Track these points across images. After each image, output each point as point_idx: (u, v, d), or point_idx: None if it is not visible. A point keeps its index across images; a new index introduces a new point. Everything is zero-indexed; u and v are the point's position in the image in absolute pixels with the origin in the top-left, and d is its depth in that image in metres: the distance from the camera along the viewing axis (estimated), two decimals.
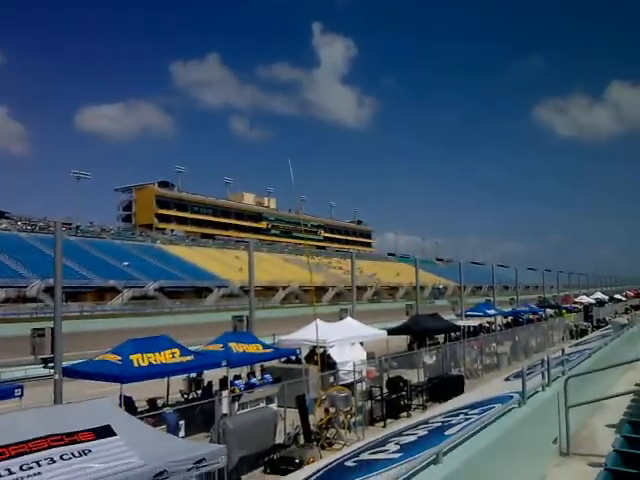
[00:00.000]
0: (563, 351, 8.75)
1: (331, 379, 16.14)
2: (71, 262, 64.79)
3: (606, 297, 67.34)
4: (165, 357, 13.24)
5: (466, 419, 6.00)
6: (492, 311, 34.36)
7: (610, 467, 4.78)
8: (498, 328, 33.71)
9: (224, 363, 14.51)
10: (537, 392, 6.52)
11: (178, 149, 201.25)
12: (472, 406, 6.74)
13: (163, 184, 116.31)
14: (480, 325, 32.09)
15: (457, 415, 6.37)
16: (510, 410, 5.65)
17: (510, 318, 37.29)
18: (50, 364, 12.51)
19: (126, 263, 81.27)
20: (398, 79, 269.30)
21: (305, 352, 19.31)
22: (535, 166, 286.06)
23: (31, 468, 5.80)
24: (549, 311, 43.60)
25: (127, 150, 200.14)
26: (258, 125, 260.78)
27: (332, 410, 13.12)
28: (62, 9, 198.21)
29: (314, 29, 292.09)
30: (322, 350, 17.78)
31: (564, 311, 44.04)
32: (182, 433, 12.29)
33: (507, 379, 8.79)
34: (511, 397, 6.41)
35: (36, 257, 70.15)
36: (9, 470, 5.67)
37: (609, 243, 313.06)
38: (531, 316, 38.58)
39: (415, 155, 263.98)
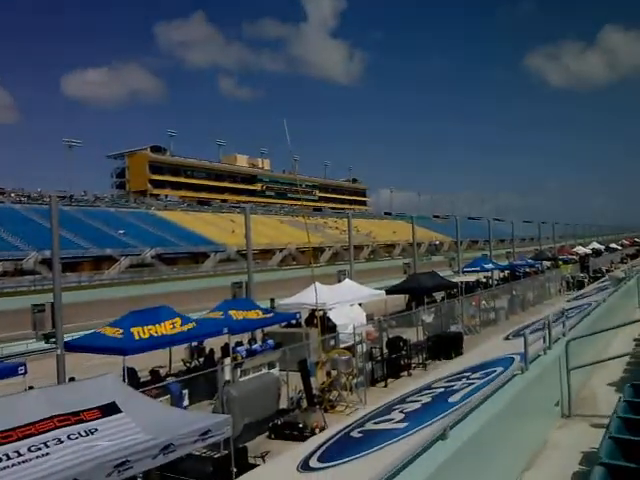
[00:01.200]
0: (563, 309, 8.73)
1: (332, 342, 16.27)
2: (67, 232, 64.49)
3: (602, 247, 67.48)
4: (165, 328, 13.29)
5: (469, 384, 6.04)
6: (489, 265, 34.45)
7: (614, 435, 4.81)
8: (495, 283, 33.92)
9: (225, 330, 14.59)
10: (539, 356, 6.53)
11: (167, 112, 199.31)
12: (473, 369, 6.78)
13: (155, 149, 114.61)
14: (477, 281, 32.26)
15: (459, 379, 6.41)
16: (513, 377, 5.66)
17: (507, 272, 37.41)
18: (52, 339, 12.54)
19: (122, 231, 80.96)
20: (387, 31, 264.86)
21: (305, 316, 19.41)
22: (528, 116, 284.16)
23: (39, 449, 5.85)
24: (545, 263, 43.72)
25: (116, 115, 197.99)
26: (247, 84, 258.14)
27: (334, 373, 13.26)
28: None
29: None
30: (322, 313, 17.87)
31: (560, 263, 44.07)
32: (186, 402, 12.44)
33: (507, 338, 8.82)
34: (512, 359, 6.43)
35: (31, 229, 69.74)
36: (18, 452, 5.72)
37: (605, 192, 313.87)
38: (528, 269, 38.70)
39: (407, 110, 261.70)
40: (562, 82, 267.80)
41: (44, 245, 57.10)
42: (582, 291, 18.41)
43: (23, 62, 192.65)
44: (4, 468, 5.47)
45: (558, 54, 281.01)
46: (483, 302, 24.16)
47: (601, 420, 5.89)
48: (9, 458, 5.58)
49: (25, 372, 10.50)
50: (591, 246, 64.06)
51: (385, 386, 14.55)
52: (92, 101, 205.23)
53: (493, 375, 6.00)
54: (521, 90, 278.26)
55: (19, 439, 5.82)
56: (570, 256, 51.19)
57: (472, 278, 31.11)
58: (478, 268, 33.46)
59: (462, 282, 28.14)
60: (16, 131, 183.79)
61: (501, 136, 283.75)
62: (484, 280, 34.21)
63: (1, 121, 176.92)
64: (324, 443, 5.01)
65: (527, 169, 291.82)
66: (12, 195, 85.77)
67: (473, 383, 5.99)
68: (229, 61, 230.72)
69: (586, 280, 34.54)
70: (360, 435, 5.13)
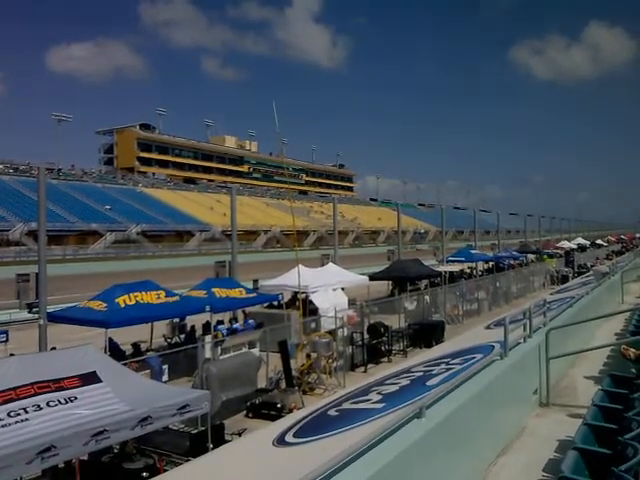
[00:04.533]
0: (545, 301, 8.81)
1: (313, 325, 16.36)
2: (53, 206, 63.90)
3: (587, 242, 67.95)
4: (151, 297, 13.44)
5: (447, 369, 6.10)
6: (474, 256, 34.64)
7: (589, 422, 4.91)
8: (479, 274, 34.14)
9: (208, 308, 14.63)
10: (519, 344, 6.60)
11: (153, 90, 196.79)
12: (453, 355, 6.83)
13: (144, 127, 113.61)
14: (461, 271, 32.45)
15: (438, 364, 6.46)
16: (492, 363, 5.74)
17: (491, 264, 37.64)
18: (35, 309, 12.48)
19: (108, 207, 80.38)
20: (371, 17, 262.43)
21: (287, 298, 19.47)
22: (514, 109, 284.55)
23: (18, 415, 5.85)
24: (530, 256, 43.93)
25: (101, 91, 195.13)
26: (232, 65, 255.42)
27: (314, 355, 13.34)
28: None
29: None
30: (304, 296, 17.94)
31: (545, 256, 44.26)
32: (165, 377, 12.48)
33: (488, 327, 8.88)
34: (492, 347, 6.51)
35: (18, 200, 69.18)
36: None
37: (590, 187, 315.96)
38: (512, 262, 38.96)
39: (392, 97, 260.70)
40: (547, 75, 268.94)
41: (30, 217, 56.68)
42: (565, 285, 18.57)
43: (9, 35, 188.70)
44: None
45: (543, 48, 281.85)
46: (471, 291, 24.30)
47: (579, 410, 5.98)
48: None
49: (7, 340, 10.48)
50: (576, 241, 64.39)
51: (365, 371, 14.67)
52: (77, 76, 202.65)
53: (472, 361, 6.06)
54: (506, 82, 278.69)
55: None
56: (555, 250, 51.52)
57: (456, 268, 31.28)
58: (462, 258, 33.64)
59: (446, 271, 28.29)
60: (3, 104, 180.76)
61: (487, 128, 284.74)
62: (468, 270, 34.44)
63: None
64: (300, 420, 5.05)
65: (513, 162, 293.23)
66: (0, 166, 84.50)
67: (452, 368, 6.05)
68: (213, 42, 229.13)
69: (570, 275, 34.69)
70: (337, 414, 5.18)
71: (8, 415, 5.79)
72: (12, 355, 8.68)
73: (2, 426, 5.62)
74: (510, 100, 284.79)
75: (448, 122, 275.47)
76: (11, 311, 22.12)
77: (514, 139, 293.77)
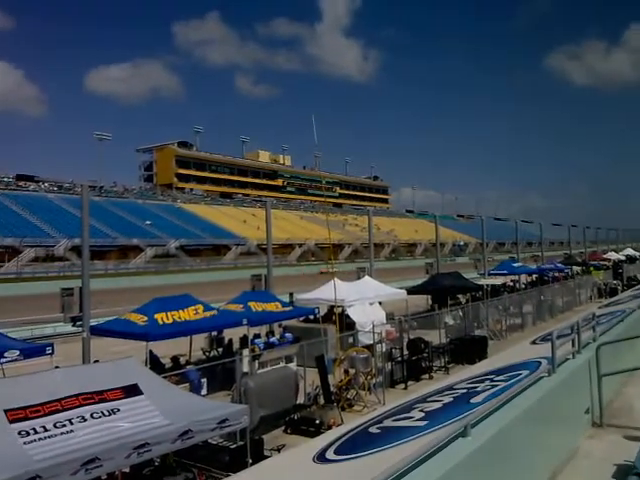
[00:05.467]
0: (594, 315, 8.47)
1: (350, 340, 16.19)
2: (96, 222, 65.64)
3: (637, 253, 65.23)
4: (189, 314, 13.53)
5: (492, 386, 5.94)
6: (516, 269, 33.77)
7: None
8: (522, 287, 33.29)
9: (245, 322, 14.66)
10: (567, 360, 6.36)
11: (188, 108, 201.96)
12: (498, 372, 6.65)
13: (182, 144, 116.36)
14: (504, 284, 31.70)
15: (482, 381, 6.30)
16: (540, 379, 5.54)
17: (535, 276, 36.64)
18: (79, 322, 12.76)
19: (148, 222, 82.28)
20: (401, 27, 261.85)
21: (323, 311, 19.37)
22: (554, 116, 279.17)
23: (64, 426, 5.97)
24: (576, 268, 42.45)
25: (138, 110, 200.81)
26: (263, 82, 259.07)
27: (352, 371, 13.17)
28: None
29: None
30: (340, 310, 17.82)
31: (592, 268, 42.34)
32: (204, 391, 12.54)
33: (534, 342, 8.62)
34: (539, 363, 6.31)
35: (63, 217, 71.44)
36: (44, 427, 5.84)
37: (638, 195, 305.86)
38: (557, 274, 37.85)
39: (427, 108, 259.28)
40: (586, 81, 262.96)
41: (74, 233, 58.13)
42: (615, 298, 17.90)
43: (50, 59, 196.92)
44: (31, 442, 5.59)
45: (580, 53, 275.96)
46: (514, 305, 23.71)
47: (637, 432, 5.69)
48: (36, 432, 5.70)
49: (52, 352, 10.71)
50: (625, 252, 61.85)
51: (405, 388, 14.38)
52: (116, 97, 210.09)
53: (518, 378, 5.88)
54: (544, 89, 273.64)
55: (46, 414, 5.95)
56: (602, 262, 49.59)
57: (498, 281, 30.57)
58: (505, 271, 32.87)
59: (488, 285, 27.67)
60: (47, 125, 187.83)
61: (526, 136, 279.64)
62: (511, 284, 33.64)
63: (34, 114, 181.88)
64: (341, 437, 4.99)
65: (555, 170, 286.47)
66: (46, 184, 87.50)
67: (497, 385, 5.89)
68: (246, 60, 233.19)
69: (619, 287, 33.24)
70: (378, 431, 5.09)
71: (54, 426, 5.91)
72: (57, 367, 8.86)
73: (49, 437, 5.73)
74: (550, 107, 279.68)
75: (485, 131, 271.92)
76: (56, 324, 22.67)
77: (556, 147, 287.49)
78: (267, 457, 8.61)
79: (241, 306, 15.70)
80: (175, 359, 14.83)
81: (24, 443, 5.56)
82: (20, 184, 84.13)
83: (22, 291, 45.56)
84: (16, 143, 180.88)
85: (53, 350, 10.78)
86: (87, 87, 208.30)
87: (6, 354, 9.94)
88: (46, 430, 5.81)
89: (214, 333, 16.91)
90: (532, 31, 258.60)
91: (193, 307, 13.81)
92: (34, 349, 10.83)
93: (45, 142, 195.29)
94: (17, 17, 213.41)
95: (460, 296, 26.25)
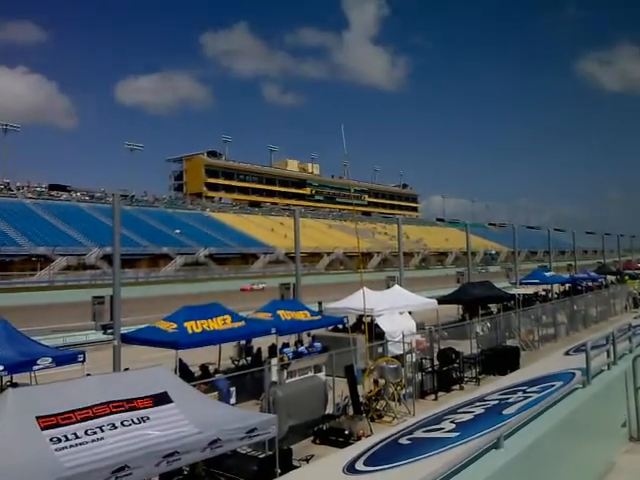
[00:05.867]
0: (630, 325, 8.23)
1: (379, 349, 16.06)
2: (127, 230, 66.77)
3: None
4: (217, 324, 13.61)
5: (525, 397, 5.81)
6: (549, 278, 33.16)
7: None
8: (555, 296, 32.67)
9: (273, 330, 14.69)
10: (602, 371, 6.18)
11: (217, 118, 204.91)
12: (531, 383, 6.52)
13: (211, 154, 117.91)
14: (536, 293, 31.16)
15: (515, 392, 6.17)
16: (574, 391, 5.39)
17: (568, 285, 35.91)
18: (110, 330, 12.93)
19: (178, 231, 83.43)
20: (430, 35, 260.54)
21: (352, 321, 19.26)
22: (586, 122, 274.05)
23: (95, 433, 5.99)
24: (610, 278, 41.36)
25: (167, 121, 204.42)
26: (291, 91, 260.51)
27: (381, 381, 13.05)
28: None
29: None
30: (369, 319, 17.69)
31: (626, 278, 41.30)
32: (233, 400, 12.53)
33: (567, 353, 8.43)
34: (573, 374, 6.15)
35: (94, 226, 72.85)
36: (75, 434, 5.88)
37: None
38: (590, 283, 37.03)
39: (456, 115, 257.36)
40: (619, 87, 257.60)
41: (105, 242, 59.23)
42: None
43: (82, 71, 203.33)
44: (62, 449, 5.63)
45: (611, 59, 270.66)
46: (547, 315, 23.26)
47: None
48: (67, 439, 5.75)
49: (84, 360, 10.86)
50: None
51: (435, 399, 14.19)
52: (145, 107, 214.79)
53: (552, 389, 5.74)
54: (576, 95, 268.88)
55: (77, 421, 5.99)
56: (637, 271, 48.27)
57: (530, 290, 30.06)
58: (537, 280, 32.30)
59: (519, 294, 27.22)
60: (79, 135, 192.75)
61: (558, 143, 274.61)
62: (543, 293, 33.04)
63: (66, 125, 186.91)
64: (371, 448, 4.93)
65: (587, 178, 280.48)
66: (78, 194, 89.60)
67: (530, 396, 5.75)
68: (273, 69, 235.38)
69: None
70: (409, 442, 5.01)
71: (85, 433, 5.95)
72: (88, 375, 8.98)
73: (80, 444, 5.78)
74: (581, 113, 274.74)
75: (515, 137, 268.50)
76: (87, 332, 23.06)
77: (588, 154, 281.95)
78: (296, 467, 8.57)
79: (270, 314, 15.74)
80: (204, 367, 14.91)
81: (55, 450, 5.61)
82: (53, 194, 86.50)
83: (54, 299, 46.48)
84: (49, 154, 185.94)
85: (84, 358, 10.93)
86: (117, 98, 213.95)
87: (39, 361, 10.10)
88: (77, 437, 5.86)
89: (243, 342, 16.97)
90: (561, 36, 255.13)
91: (221, 317, 13.90)
92: (66, 356, 10.99)
93: (77, 152, 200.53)
94: (49, 30, 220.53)
95: (491, 306, 25.88)
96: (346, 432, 11.04)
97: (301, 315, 16.29)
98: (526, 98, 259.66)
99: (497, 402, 5.84)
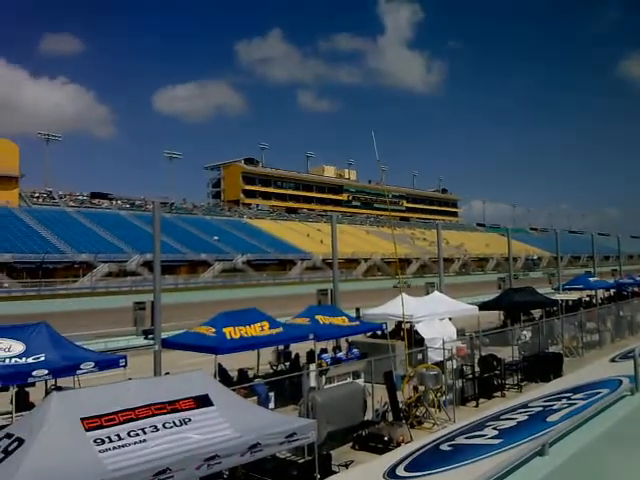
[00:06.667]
0: None
1: (419, 356, 15.90)
2: (166, 237, 68.08)
3: None
4: (255, 330, 13.69)
5: (569, 404, 5.67)
6: (593, 283, 32.30)
7: None
8: (599, 302, 31.80)
9: (311, 336, 14.70)
10: None
11: (253, 125, 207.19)
12: (575, 390, 6.37)
13: (248, 161, 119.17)
14: (580, 299, 30.40)
15: (559, 399, 6.04)
16: (621, 398, 5.22)
17: (612, 291, 34.94)
18: (150, 335, 13.16)
19: (216, 237, 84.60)
20: (466, 39, 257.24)
21: (391, 327, 19.12)
22: (627, 125, 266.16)
23: (137, 435, 6.08)
24: None
25: (204, 128, 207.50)
26: (326, 97, 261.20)
27: (421, 388, 12.93)
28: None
29: None
30: (409, 325, 17.54)
31: None
32: (272, 405, 12.60)
33: (613, 360, 8.19)
34: (620, 382, 5.97)
35: (135, 233, 74.53)
36: (118, 436, 5.98)
37: None
38: (637, 289, 35.89)
39: (495, 119, 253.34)
40: None
41: (145, 248, 60.56)
42: None
43: (119, 80, 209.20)
44: (106, 450, 5.74)
45: None
46: (592, 321, 22.64)
47: None
48: (111, 441, 5.86)
49: (125, 365, 11.06)
50: None
51: (476, 406, 13.96)
52: (183, 115, 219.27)
53: (598, 397, 5.59)
54: (616, 97, 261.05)
55: (120, 423, 6.10)
56: None
57: (574, 296, 29.33)
58: (581, 286, 31.50)
59: (563, 300, 26.59)
60: (119, 144, 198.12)
61: (600, 145, 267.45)
62: (587, 299, 32.20)
63: (105, 134, 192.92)
64: (411, 454, 4.89)
65: (631, 181, 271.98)
66: (118, 202, 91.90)
67: (575, 404, 5.61)
68: (308, 76, 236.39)
69: None
70: (450, 448, 4.95)
71: (128, 435, 6.05)
72: (130, 379, 9.17)
73: (123, 445, 5.87)
74: (623, 116, 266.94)
75: (556, 141, 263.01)
76: (128, 337, 23.57)
77: (631, 157, 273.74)
78: (335, 473, 8.53)
79: (308, 319, 15.77)
80: (241, 372, 15.03)
81: (99, 451, 5.71)
82: (94, 202, 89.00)
83: (96, 305, 47.55)
84: (90, 162, 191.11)
85: (126, 362, 11.13)
86: (155, 107, 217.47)
87: (82, 366, 10.31)
88: (120, 439, 5.95)
89: (281, 347, 17.04)
90: (604, 39, 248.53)
91: (259, 324, 13.96)
92: (108, 361, 11.18)
93: (117, 161, 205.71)
94: (87, 41, 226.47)
95: (534, 311, 25.34)
96: (385, 438, 10.95)
97: (339, 321, 16.26)
98: (565, 100, 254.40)
99: (541, 409, 5.72)
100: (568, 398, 5.97)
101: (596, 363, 8.66)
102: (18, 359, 9.99)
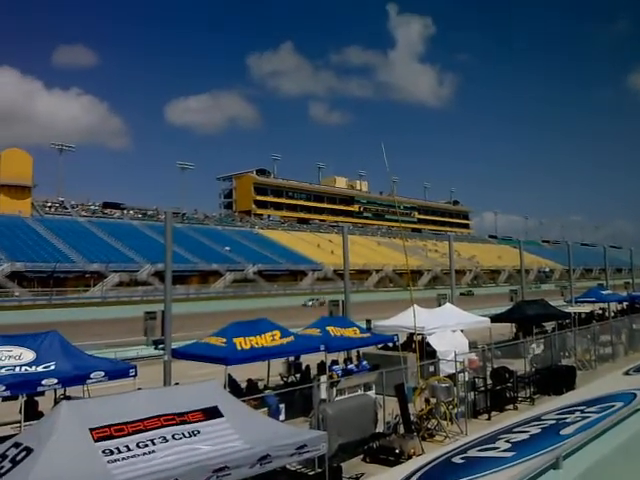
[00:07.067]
0: None
1: (431, 368, 15.76)
2: (178, 247, 68.40)
3: None
4: (266, 340, 13.64)
5: (583, 417, 5.59)
6: (606, 296, 31.96)
7: None
8: (612, 315, 31.46)
9: (322, 347, 14.62)
10: None
11: (265, 136, 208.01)
12: (589, 403, 6.28)
13: (260, 172, 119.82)
14: (592, 312, 30.10)
15: (572, 412, 5.96)
16: (636, 412, 5.11)
17: (625, 304, 34.58)
18: (160, 345, 13.13)
19: (227, 248, 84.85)
20: (477, 52, 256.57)
21: (402, 339, 18.99)
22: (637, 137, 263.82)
23: (146, 446, 6.04)
24: None
25: (216, 140, 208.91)
26: (338, 109, 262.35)
27: (433, 400, 12.80)
28: (146, 10, 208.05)
29: (389, 10, 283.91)
30: (420, 337, 17.41)
31: None
32: (282, 416, 12.51)
33: (627, 373, 8.10)
34: (634, 395, 5.87)
35: (146, 243, 74.93)
36: (127, 447, 5.94)
37: None
38: None
39: (507, 131, 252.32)
40: None
41: (157, 258, 60.96)
42: None
43: (132, 91, 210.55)
44: (115, 461, 5.70)
45: None
46: (604, 334, 22.37)
47: None
48: (119, 451, 5.83)
49: (135, 374, 11.04)
50: None
51: (488, 419, 13.76)
52: (194, 127, 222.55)
53: (612, 410, 5.50)
54: (627, 109, 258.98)
55: (129, 434, 6.07)
56: None
57: (586, 309, 29.05)
58: (593, 298, 31.21)
59: (575, 313, 26.33)
60: (131, 155, 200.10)
61: (610, 159, 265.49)
62: (600, 312, 31.86)
63: (118, 145, 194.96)
64: (423, 466, 4.84)
65: None
66: (130, 212, 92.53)
67: (589, 417, 5.53)
68: (319, 88, 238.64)
69: None
70: (462, 461, 4.90)
71: (137, 446, 6.01)
72: (139, 389, 9.15)
73: (131, 456, 5.84)
74: (636, 128, 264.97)
75: (568, 153, 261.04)
76: (138, 347, 23.57)
77: None
78: None
79: (319, 330, 15.70)
80: (252, 383, 14.96)
81: (108, 462, 5.68)
82: (106, 212, 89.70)
83: (107, 315, 47.82)
84: (103, 173, 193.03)
85: (136, 372, 11.11)
86: (167, 118, 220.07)
87: (92, 375, 10.32)
88: (129, 449, 5.91)
89: (291, 358, 16.95)
90: (611, 52, 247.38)
91: (270, 333, 13.93)
92: (118, 371, 11.16)
93: (130, 171, 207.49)
94: (100, 53, 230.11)
95: (546, 324, 25.11)
96: (397, 451, 10.82)
97: (350, 332, 16.17)
98: (578, 113, 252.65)
99: (554, 422, 5.64)
100: (582, 411, 5.88)
101: (609, 376, 8.55)
102: (28, 367, 10.01)
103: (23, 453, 5.65)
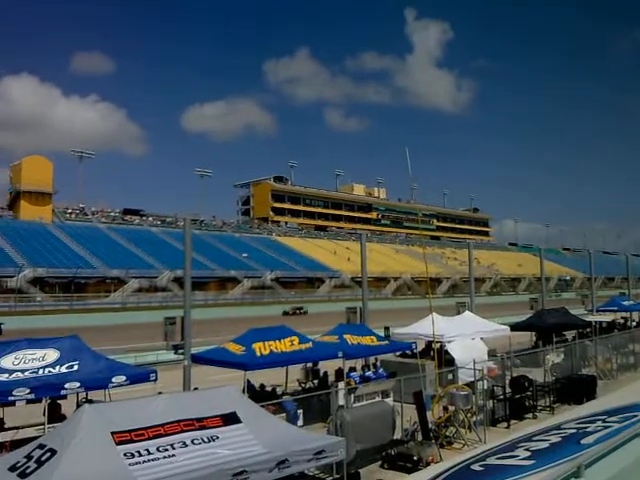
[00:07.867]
0: None
1: (449, 376, 15.68)
2: (196, 254, 68.74)
3: None
4: (285, 345, 13.75)
5: (604, 427, 5.53)
6: (628, 306, 31.48)
7: None
8: (634, 324, 30.99)
9: (340, 354, 14.64)
10: None
11: (282, 143, 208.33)
12: (610, 412, 6.21)
13: (278, 179, 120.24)
14: (613, 320, 29.69)
15: (593, 422, 5.89)
16: None
17: None
18: (180, 350, 13.27)
19: (245, 254, 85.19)
20: (496, 57, 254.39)
21: (421, 347, 18.90)
22: None
23: (166, 450, 6.15)
24: None
25: (233, 147, 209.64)
26: (354, 115, 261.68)
27: (451, 408, 12.74)
28: (162, 17, 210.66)
29: (407, 16, 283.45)
30: (439, 345, 17.33)
31: None
32: (300, 422, 12.55)
33: None
34: None
35: (165, 250, 75.58)
36: (148, 450, 6.05)
37: None
38: None
39: (527, 138, 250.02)
40: None
41: (176, 265, 61.31)
42: None
43: (150, 98, 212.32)
44: (135, 464, 5.81)
45: None
46: (626, 343, 22.06)
47: None
48: (140, 455, 5.93)
49: (156, 379, 11.16)
50: None
51: (507, 427, 13.70)
52: (211, 134, 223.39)
53: (635, 419, 5.44)
54: None
55: (150, 438, 6.17)
56: None
57: (608, 318, 28.66)
58: (615, 307, 30.77)
59: (596, 322, 25.98)
60: (149, 163, 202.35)
61: (632, 166, 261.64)
62: (621, 321, 31.40)
63: (137, 152, 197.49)
64: (442, 473, 4.83)
65: None
66: (150, 219, 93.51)
67: (610, 426, 5.47)
68: (336, 95, 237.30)
69: None
70: (481, 469, 4.87)
71: (157, 450, 6.11)
72: (160, 393, 9.25)
73: (152, 460, 5.94)
74: None
75: (589, 161, 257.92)
76: (158, 352, 23.76)
77: None
78: None
79: (336, 337, 15.73)
80: (272, 389, 15.03)
81: (129, 465, 5.79)
82: (126, 218, 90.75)
83: (127, 320, 48.24)
84: (122, 179, 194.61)
85: (157, 376, 11.24)
86: (184, 125, 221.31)
87: (113, 379, 10.46)
88: (149, 453, 6.02)
89: (309, 364, 17.00)
90: (632, 60, 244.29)
91: (289, 338, 14.04)
92: (139, 375, 11.29)
93: (148, 178, 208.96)
94: (118, 60, 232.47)
95: (566, 333, 24.81)
96: (415, 458, 10.80)
97: (367, 340, 16.17)
98: (599, 119, 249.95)
99: (575, 431, 5.59)
100: (603, 421, 5.82)
101: (631, 386, 8.42)
102: (52, 369, 10.20)
103: (48, 454, 5.77)
